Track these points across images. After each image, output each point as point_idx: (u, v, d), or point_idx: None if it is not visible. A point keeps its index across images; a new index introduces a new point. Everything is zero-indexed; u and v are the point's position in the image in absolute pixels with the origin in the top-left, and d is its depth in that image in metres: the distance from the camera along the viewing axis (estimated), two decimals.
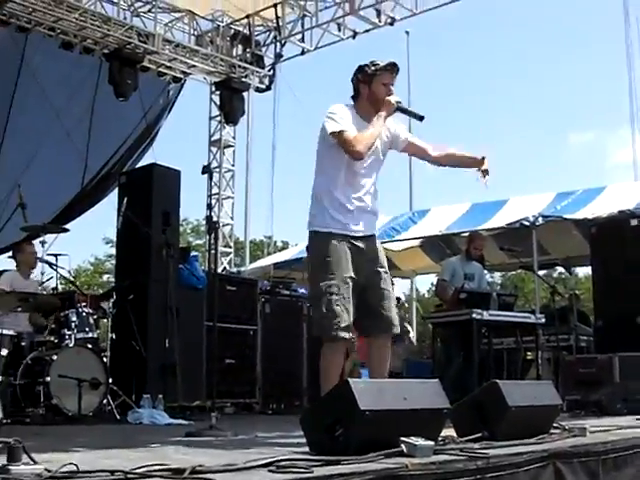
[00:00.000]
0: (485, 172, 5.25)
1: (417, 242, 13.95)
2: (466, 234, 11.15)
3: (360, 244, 5.00)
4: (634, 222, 9.82)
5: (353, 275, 4.91)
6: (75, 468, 2.55)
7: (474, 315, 8.00)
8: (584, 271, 21.19)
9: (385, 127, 5.12)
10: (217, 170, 14.50)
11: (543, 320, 8.85)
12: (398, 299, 11.37)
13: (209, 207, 6.26)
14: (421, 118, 5.16)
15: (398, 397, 3.79)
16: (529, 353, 10.48)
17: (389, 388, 3.91)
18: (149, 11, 13.25)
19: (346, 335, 4.86)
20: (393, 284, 5.38)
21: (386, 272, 5.12)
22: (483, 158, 5.28)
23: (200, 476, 2.63)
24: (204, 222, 24.48)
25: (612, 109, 52.42)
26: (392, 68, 5.12)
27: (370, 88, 5.08)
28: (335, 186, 4.99)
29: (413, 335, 14.02)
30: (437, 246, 14.15)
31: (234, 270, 14.35)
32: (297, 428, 3.89)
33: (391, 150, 5.26)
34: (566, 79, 56.57)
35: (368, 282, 5.00)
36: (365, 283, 4.98)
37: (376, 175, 5.18)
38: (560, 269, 21.01)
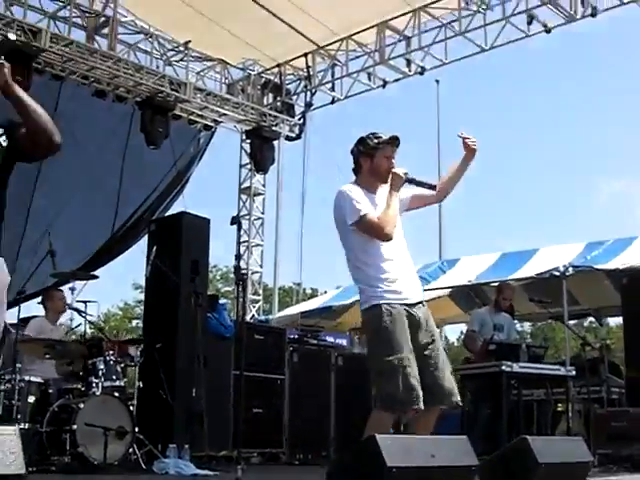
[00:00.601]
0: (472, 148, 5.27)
1: (446, 292, 13.88)
2: (495, 284, 11.08)
3: (415, 312, 4.95)
4: None
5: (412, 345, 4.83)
6: None
7: (503, 367, 7.90)
8: (615, 321, 20.95)
9: None
10: (247, 218, 14.56)
11: (573, 373, 8.72)
12: None
13: (237, 257, 6.28)
14: (433, 187, 5.16)
15: (426, 454, 3.76)
16: (559, 405, 10.36)
17: (417, 444, 3.87)
18: (181, 60, 13.40)
19: (422, 406, 4.71)
20: None
21: (438, 339, 5.05)
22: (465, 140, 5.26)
23: None
24: (233, 269, 24.56)
25: None
26: (394, 141, 5.11)
27: (372, 161, 5.07)
28: (375, 264, 4.96)
29: None
30: (466, 295, 14.08)
31: (262, 318, 14.34)
32: None
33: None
34: (597, 125, 56.40)
35: (424, 352, 4.91)
36: (421, 353, 4.88)
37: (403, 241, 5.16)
38: (591, 318, 20.82)
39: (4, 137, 3.72)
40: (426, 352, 4.90)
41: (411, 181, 5.07)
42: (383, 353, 4.80)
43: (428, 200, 5.39)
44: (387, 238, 4.91)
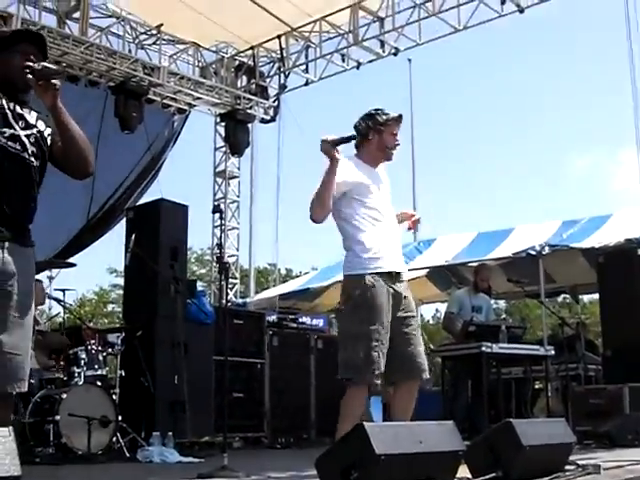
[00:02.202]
0: (416, 221, 5.48)
1: (423, 272, 13.93)
2: (473, 264, 11.15)
3: (397, 287, 5.00)
4: None
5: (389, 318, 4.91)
6: None
7: (484, 348, 7.98)
8: (589, 297, 21.10)
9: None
10: (222, 201, 14.51)
11: (552, 352, 8.80)
12: None
13: (219, 246, 6.28)
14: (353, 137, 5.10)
15: (414, 440, 3.79)
16: (538, 383, 10.47)
17: (405, 431, 3.90)
18: (154, 43, 13.34)
19: (379, 382, 4.87)
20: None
21: (414, 316, 5.13)
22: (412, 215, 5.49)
23: None
24: (208, 251, 24.41)
25: (614, 129, 52.35)
26: (400, 119, 5.25)
27: (381, 136, 5.17)
28: (360, 231, 5.03)
29: None
30: (443, 275, 14.13)
31: (240, 301, 14.34)
32: (307, 465, 3.89)
33: None
34: (567, 98, 56.55)
35: (399, 326, 4.98)
36: (395, 327, 4.95)
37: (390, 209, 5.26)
38: (565, 294, 20.96)
39: (50, 137, 3.77)
40: (404, 327, 4.99)
41: (342, 141, 4.93)
42: (355, 320, 4.91)
43: None
44: (312, 219, 4.95)
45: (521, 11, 11.71)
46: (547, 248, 11.45)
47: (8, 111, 3.67)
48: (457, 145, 53.97)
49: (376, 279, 4.91)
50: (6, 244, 3.60)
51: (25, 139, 3.69)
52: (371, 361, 4.77)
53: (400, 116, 5.24)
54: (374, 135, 5.17)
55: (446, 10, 12.21)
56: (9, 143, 3.64)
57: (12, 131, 3.66)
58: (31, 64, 3.58)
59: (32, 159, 3.72)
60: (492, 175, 56.48)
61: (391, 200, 5.30)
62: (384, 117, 5.17)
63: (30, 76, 3.57)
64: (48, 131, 3.74)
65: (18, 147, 3.66)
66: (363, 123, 5.20)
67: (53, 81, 3.58)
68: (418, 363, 4.97)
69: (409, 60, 18.43)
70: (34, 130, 3.74)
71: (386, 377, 4.97)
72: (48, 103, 3.58)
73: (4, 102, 3.67)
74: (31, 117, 3.74)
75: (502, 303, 27.52)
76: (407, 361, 4.95)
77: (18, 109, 3.70)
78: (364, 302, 4.87)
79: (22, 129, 3.70)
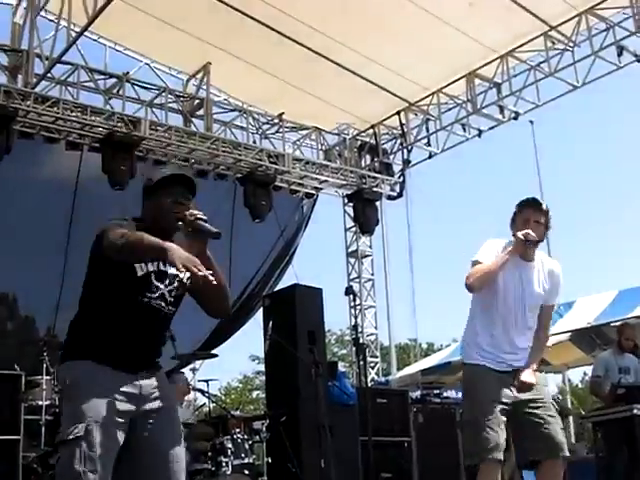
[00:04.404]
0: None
1: (566, 335, 13.58)
2: (616, 323, 10.81)
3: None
4: None
5: (505, 400, 4.96)
6: None
7: (636, 411, 7.67)
8: None
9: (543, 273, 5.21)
10: (357, 280, 14.58)
11: None
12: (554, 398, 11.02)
13: (354, 328, 6.28)
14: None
15: None
16: None
17: None
18: (277, 132, 13.66)
19: (497, 457, 4.85)
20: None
21: (544, 396, 5.16)
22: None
23: None
24: (347, 331, 24.45)
25: None
26: (529, 203, 5.20)
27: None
28: (482, 325, 5.20)
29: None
30: (587, 338, 13.74)
31: (382, 380, 14.24)
32: None
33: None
34: None
35: (526, 409, 5.04)
36: (522, 409, 5.03)
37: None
38: None
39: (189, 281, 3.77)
40: (528, 409, 5.02)
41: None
42: (467, 407, 5.22)
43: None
44: (467, 287, 5.05)
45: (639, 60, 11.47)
46: None
47: (153, 275, 3.79)
48: (588, 204, 52.87)
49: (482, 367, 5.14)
50: (141, 374, 3.80)
51: (167, 294, 3.83)
52: (484, 439, 4.87)
53: (529, 200, 5.20)
54: (513, 228, 5.21)
55: (562, 68, 12.10)
56: (151, 302, 3.78)
57: (154, 294, 3.80)
58: (184, 214, 3.69)
59: (171, 307, 3.89)
60: (625, 231, 54.84)
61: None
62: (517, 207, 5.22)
63: (180, 223, 3.69)
64: (187, 275, 3.58)
65: (162, 304, 3.82)
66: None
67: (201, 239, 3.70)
68: (556, 441, 4.96)
69: (531, 122, 18.24)
70: (175, 283, 3.83)
71: (529, 454, 5.14)
72: (195, 251, 3.60)
73: (150, 267, 3.77)
74: (172, 269, 3.71)
75: None
76: (544, 440, 4.96)
77: (162, 266, 3.80)
78: (472, 389, 5.19)
79: (166, 286, 3.83)
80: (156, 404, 3.79)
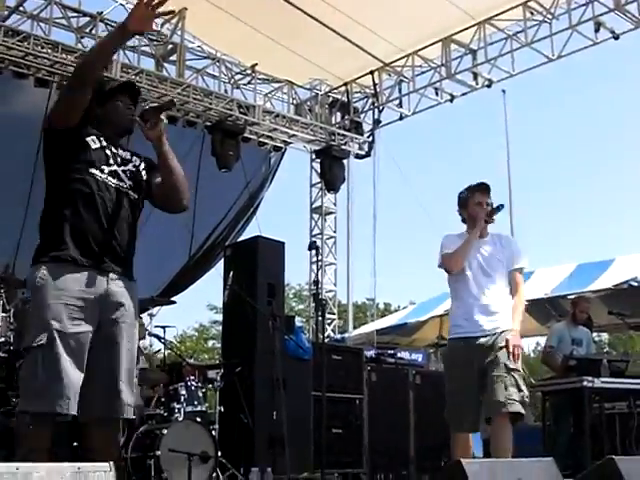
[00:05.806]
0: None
1: None
2: (572, 297, 10.94)
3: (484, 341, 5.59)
4: None
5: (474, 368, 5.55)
6: None
7: (585, 383, 7.79)
8: None
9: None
10: (319, 237, 14.59)
11: None
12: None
13: (316, 283, 6.32)
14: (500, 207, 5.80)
15: (512, 478, 3.73)
16: None
17: (502, 468, 3.85)
18: (249, 83, 13.56)
19: (457, 430, 5.69)
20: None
21: (499, 362, 5.53)
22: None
23: None
24: (306, 286, 24.49)
25: None
26: (480, 187, 5.86)
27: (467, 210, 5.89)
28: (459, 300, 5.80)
29: None
30: (543, 308, 13.89)
31: (338, 337, 14.33)
32: None
33: None
34: None
35: (484, 372, 5.53)
36: (484, 374, 5.53)
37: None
38: None
39: (145, 172, 4.12)
40: (488, 371, 5.50)
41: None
42: (445, 380, 5.85)
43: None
44: (447, 270, 5.77)
45: (616, 38, 11.49)
46: None
47: (108, 150, 3.96)
48: (554, 173, 53.22)
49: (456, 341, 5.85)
50: (110, 275, 3.79)
51: (122, 174, 3.98)
52: (452, 414, 5.72)
53: (481, 185, 5.79)
54: (463, 211, 5.87)
55: (538, 40, 12.11)
56: (109, 178, 3.91)
57: (111, 168, 3.94)
58: (146, 108, 4.09)
59: (131, 192, 4.00)
60: (590, 205, 55.41)
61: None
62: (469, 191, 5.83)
63: (138, 119, 4.00)
64: (143, 166, 4.09)
65: (117, 182, 3.94)
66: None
67: (161, 116, 4.03)
68: (500, 400, 5.38)
69: (503, 91, 18.25)
70: (129, 165, 4.04)
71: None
72: (155, 135, 3.97)
73: (104, 143, 3.96)
74: (126, 154, 4.07)
75: (605, 336, 26.92)
76: (491, 399, 5.46)
77: (113, 149, 4.01)
78: (445, 366, 6.33)
79: (119, 165, 3.99)
80: (121, 314, 3.85)
